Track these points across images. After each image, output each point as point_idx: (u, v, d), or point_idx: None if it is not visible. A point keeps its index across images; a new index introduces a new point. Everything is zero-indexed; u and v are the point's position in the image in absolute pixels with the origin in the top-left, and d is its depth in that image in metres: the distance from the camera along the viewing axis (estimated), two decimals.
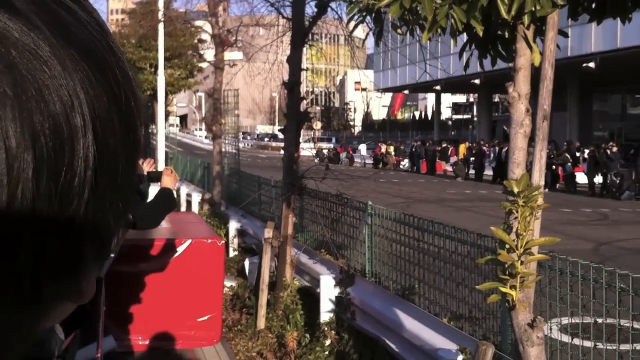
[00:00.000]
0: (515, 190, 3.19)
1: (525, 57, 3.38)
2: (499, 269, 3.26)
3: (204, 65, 25.71)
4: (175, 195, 4.05)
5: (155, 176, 4.04)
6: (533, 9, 3.07)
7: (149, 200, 4.05)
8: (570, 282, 4.03)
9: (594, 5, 3.50)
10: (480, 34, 3.21)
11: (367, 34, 4.02)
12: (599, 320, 3.82)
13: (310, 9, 7.80)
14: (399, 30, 3.48)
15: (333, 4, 7.20)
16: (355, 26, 3.74)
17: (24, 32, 0.40)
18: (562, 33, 3.78)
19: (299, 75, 7.40)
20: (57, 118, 0.40)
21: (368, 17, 3.50)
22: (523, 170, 3.40)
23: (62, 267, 0.42)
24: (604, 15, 3.52)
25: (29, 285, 0.40)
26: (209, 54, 17.60)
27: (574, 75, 34.92)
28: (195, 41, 26.46)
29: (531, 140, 3.39)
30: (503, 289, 3.21)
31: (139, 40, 25.56)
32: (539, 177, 3.40)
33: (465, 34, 3.35)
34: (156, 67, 20.96)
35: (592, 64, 29.52)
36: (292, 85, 7.34)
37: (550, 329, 4.16)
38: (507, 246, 3.20)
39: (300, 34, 7.15)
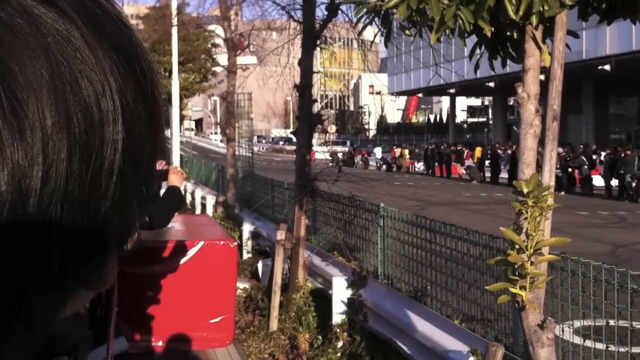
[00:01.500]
0: (525, 190, 3.17)
1: (534, 57, 3.37)
2: (509, 269, 3.25)
3: (218, 69, 25.83)
4: (183, 193, 4.08)
5: (162, 175, 4.07)
6: (541, 9, 3.06)
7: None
8: (582, 284, 4.01)
9: (604, 6, 3.49)
10: (489, 34, 3.20)
11: (375, 35, 4.03)
12: (611, 322, 3.79)
13: (321, 12, 7.82)
14: (407, 32, 3.49)
15: (344, 7, 7.21)
16: (364, 28, 3.75)
17: (58, 20, 0.42)
18: (572, 34, 3.77)
19: (311, 78, 7.42)
20: (89, 102, 0.42)
21: (376, 19, 3.51)
22: (533, 170, 3.39)
23: (89, 248, 0.43)
24: (614, 15, 3.50)
25: (58, 262, 0.41)
26: (223, 58, 17.68)
27: (590, 77, 34.67)
28: (209, 45, 26.60)
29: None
30: (513, 290, 3.19)
31: (153, 45, 25.72)
32: (549, 177, 3.38)
33: (475, 35, 3.35)
34: (170, 72, 21.09)
35: (607, 67, 29.30)
36: (303, 88, 7.36)
37: (562, 331, 4.14)
38: (517, 247, 3.19)
39: (311, 37, 7.18)
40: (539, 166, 3.26)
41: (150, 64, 0.48)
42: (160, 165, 4.10)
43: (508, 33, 3.37)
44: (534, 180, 3.17)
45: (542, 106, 3.31)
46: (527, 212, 3.16)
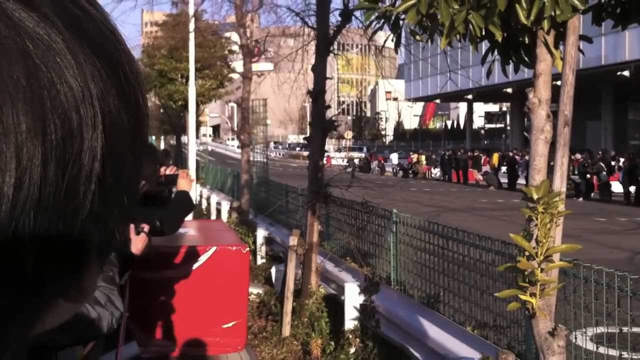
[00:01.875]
0: (535, 196, 3.14)
1: (546, 62, 3.34)
2: (519, 276, 3.22)
3: (234, 75, 25.95)
4: (192, 198, 4.09)
5: (171, 179, 4.09)
6: (553, 13, 3.04)
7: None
8: (595, 291, 3.96)
9: (618, 10, 3.45)
10: (499, 39, 3.19)
11: (385, 40, 4.02)
12: (624, 329, 3.75)
13: (335, 18, 7.83)
14: (417, 37, 3.48)
15: (357, 13, 7.21)
16: (374, 33, 3.75)
17: (39, 24, 0.41)
18: (586, 38, 3.74)
19: (324, 84, 7.43)
20: (67, 108, 0.41)
21: (387, 24, 3.51)
22: (544, 176, 3.36)
23: (66, 258, 0.42)
24: (629, 20, 3.47)
25: (32, 273, 0.40)
26: (239, 64, 17.77)
27: (609, 83, 34.41)
28: (226, 52, 26.72)
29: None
30: (523, 297, 3.16)
31: (170, 52, 25.91)
32: (560, 183, 3.35)
33: (487, 41, 3.33)
34: (187, 78, 21.21)
35: (626, 73, 29.07)
36: (317, 94, 7.37)
37: (575, 338, 4.10)
38: (527, 253, 3.16)
39: (325, 43, 7.19)
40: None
41: (135, 71, 0.47)
42: (170, 171, 4.12)
43: (520, 38, 3.36)
44: (545, 187, 3.13)
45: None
46: (537, 219, 3.13)
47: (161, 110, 33.74)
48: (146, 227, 3.37)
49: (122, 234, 0.48)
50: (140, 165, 0.48)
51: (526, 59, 3.44)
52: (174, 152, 28.21)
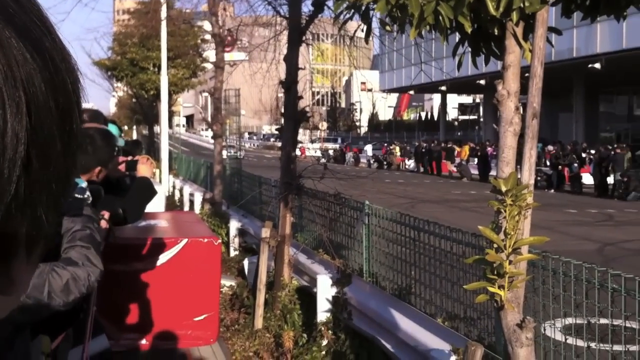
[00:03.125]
0: (503, 189, 3.14)
1: (515, 54, 3.34)
2: (488, 268, 3.22)
3: (208, 65, 25.75)
4: (152, 184, 4.02)
5: (132, 165, 4.03)
6: (522, 5, 3.04)
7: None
8: (563, 282, 3.99)
9: (587, 3, 3.46)
10: (469, 31, 3.17)
11: (355, 31, 3.99)
12: (592, 321, 3.78)
13: (307, 8, 7.78)
14: (387, 28, 3.45)
15: (329, 2, 7.17)
16: (344, 23, 3.72)
17: None
18: (555, 30, 3.74)
19: (296, 74, 7.38)
20: None
21: (357, 15, 3.48)
22: (512, 169, 3.36)
23: None
24: (598, 13, 3.47)
25: None
26: (212, 54, 17.62)
27: (580, 76, 34.81)
28: (199, 41, 26.50)
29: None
30: (491, 289, 3.17)
31: (142, 40, 25.60)
32: (528, 175, 3.35)
33: (457, 32, 3.32)
34: (159, 67, 21.00)
35: (597, 65, 29.43)
36: (289, 85, 7.32)
37: (544, 329, 4.13)
38: (496, 246, 3.16)
39: (297, 33, 7.14)
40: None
41: (66, 59, 0.47)
42: (144, 163, 4.05)
43: (489, 30, 3.35)
44: (513, 179, 3.14)
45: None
46: (505, 211, 3.13)
47: (133, 100, 33.38)
48: (106, 214, 3.32)
49: (52, 222, 0.47)
50: (72, 152, 0.47)
51: (496, 50, 3.43)
52: (145, 142, 27.95)
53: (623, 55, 28.60)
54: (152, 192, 3.97)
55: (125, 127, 47.07)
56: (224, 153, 14.17)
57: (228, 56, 16.14)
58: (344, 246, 7.38)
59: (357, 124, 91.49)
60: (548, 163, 26.96)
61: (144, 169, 3.95)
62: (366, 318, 5.53)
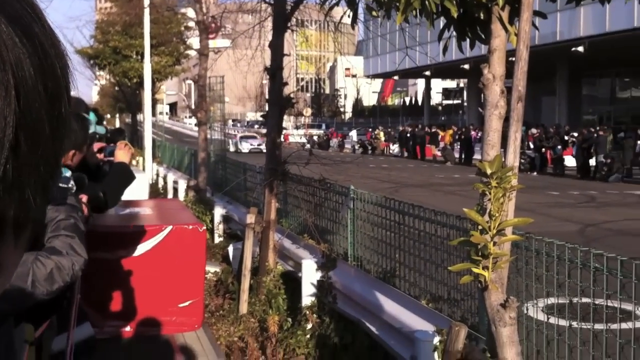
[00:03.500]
0: (489, 171, 3.16)
1: (500, 38, 3.34)
2: (472, 250, 3.25)
3: (191, 52, 25.57)
4: (130, 169, 4.01)
5: (111, 152, 4.01)
6: None
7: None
8: (546, 263, 4.03)
9: None
10: (455, 15, 3.17)
11: (342, 16, 3.97)
12: (574, 300, 3.82)
13: None
14: (374, 13, 3.44)
15: None
16: (330, 9, 3.71)
17: None
18: (540, 14, 3.74)
19: (281, 60, 7.35)
20: None
21: (343, 1, 3.46)
22: (497, 151, 3.38)
23: None
24: None
25: None
26: (196, 41, 17.51)
27: (564, 59, 34.96)
28: (182, 28, 26.30)
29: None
30: (475, 270, 3.19)
31: (125, 28, 25.37)
32: (513, 158, 3.37)
33: (443, 17, 3.31)
34: (142, 55, 20.83)
35: (581, 48, 29.56)
36: (274, 71, 7.29)
37: (527, 309, 4.17)
38: (480, 227, 3.18)
39: (282, 19, 7.10)
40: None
41: (55, 44, 0.47)
42: (122, 148, 4.02)
43: (475, 14, 3.34)
44: (498, 162, 3.15)
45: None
46: (490, 193, 3.15)
47: (116, 88, 33.12)
48: (84, 198, 3.30)
49: (41, 205, 0.47)
50: (61, 136, 0.47)
51: (482, 35, 3.43)
52: (129, 130, 27.77)
53: (606, 39, 28.75)
54: (130, 177, 3.95)
55: (108, 116, 46.59)
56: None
57: (212, 43, 16.04)
58: (329, 231, 7.39)
59: (342, 109, 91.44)
60: (532, 146, 27.12)
61: (121, 154, 3.94)
62: (351, 301, 5.56)
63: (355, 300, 5.47)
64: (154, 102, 32.30)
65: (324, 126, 62.00)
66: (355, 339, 5.32)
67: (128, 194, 7.69)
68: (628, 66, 36.42)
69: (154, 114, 31.49)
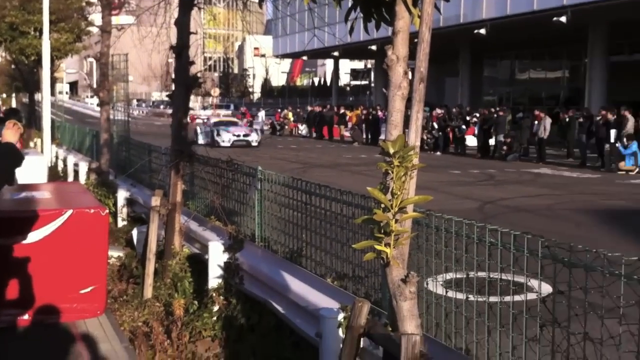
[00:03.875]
0: (391, 151, 3.21)
1: (404, 20, 3.38)
2: (375, 227, 3.31)
3: (93, 29, 24.58)
4: (18, 149, 3.84)
5: None
6: None
7: None
8: (445, 239, 4.16)
9: None
10: None
11: None
12: (471, 274, 3.97)
13: None
14: None
15: None
16: None
17: None
18: None
19: (188, 38, 7.18)
20: None
21: None
22: (400, 131, 3.44)
23: None
24: None
25: None
26: (99, 17, 16.83)
27: (466, 41, 35.98)
28: (83, 4, 25.23)
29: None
30: (378, 247, 3.26)
31: (22, 3, 24.08)
32: (415, 137, 3.44)
33: None
34: (41, 31, 19.85)
35: (482, 31, 30.44)
36: (180, 50, 7.13)
37: (427, 283, 4.30)
38: (383, 206, 3.24)
39: None
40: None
41: None
42: (10, 128, 3.83)
43: None
44: (400, 141, 3.21)
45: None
46: (392, 172, 3.21)
47: (12, 66, 31.48)
48: None
49: None
50: None
51: (387, 16, 3.47)
52: (26, 111, 26.51)
53: (507, 21, 29.76)
54: (18, 158, 3.78)
55: (4, 95, 44.25)
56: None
57: (115, 20, 15.46)
58: (236, 212, 7.35)
59: (250, 90, 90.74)
60: (435, 126, 27.87)
61: (8, 134, 3.75)
62: (258, 282, 5.56)
63: (262, 280, 5.48)
64: (53, 81, 30.96)
65: (232, 107, 61.36)
66: (262, 319, 5.33)
67: (25, 178, 7.35)
68: (527, 48, 37.93)
69: (53, 93, 30.21)
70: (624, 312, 3.06)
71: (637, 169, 19.63)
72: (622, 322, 3.05)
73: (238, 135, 30.18)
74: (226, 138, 29.72)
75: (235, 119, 36.58)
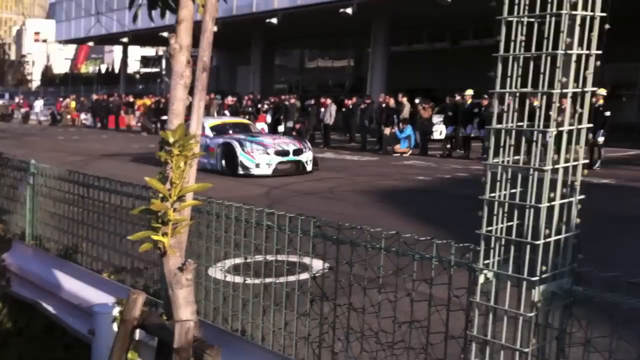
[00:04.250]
0: (171, 140, 3.17)
1: (188, 9, 3.37)
2: (153, 218, 3.25)
3: None
4: None
5: None
6: None
7: None
8: (225, 225, 4.16)
9: None
10: None
11: None
12: (249, 258, 4.01)
13: None
14: None
15: None
16: None
17: None
18: None
19: None
20: None
21: None
22: (181, 120, 3.42)
23: None
24: None
25: None
26: None
27: (259, 30, 36.46)
28: None
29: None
30: (155, 237, 3.20)
31: None
32: (196, 126, 3.43)
33: None
34: None
35: (274, 20, 31.01)
36: None
37: (207, 270, 4.29)
38: (161, 195, 3.20)
39: None
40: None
41: None
42: None
43: None
44: (181, 130, 3.18)
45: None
46: (172, 162, 3.18)
47: None
48: None
49: None
50: None
51: (172, 5, 3.43)
52: None
53: (297, 12, 30.60)
54: None
55: None
56: None
57: None
58: (4, 210, 6.80)
59: (29, 77, 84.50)
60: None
61: None
62: (28, 283, 5.19)
63: (33, 281, 5.12)
64: None
65: (7, 95, 56.58)
66: (30, 322, 4.98)
67: None
68: (316, 38, 39.39)
69: None
70: (383, 282, 3.28)
71: (410, 151, 21.28)
72: (381, 290, 3.27)
73: (284, 154, 16.37)
74: (263, 160, 16.05)
75: (246, 121, 20.97)
